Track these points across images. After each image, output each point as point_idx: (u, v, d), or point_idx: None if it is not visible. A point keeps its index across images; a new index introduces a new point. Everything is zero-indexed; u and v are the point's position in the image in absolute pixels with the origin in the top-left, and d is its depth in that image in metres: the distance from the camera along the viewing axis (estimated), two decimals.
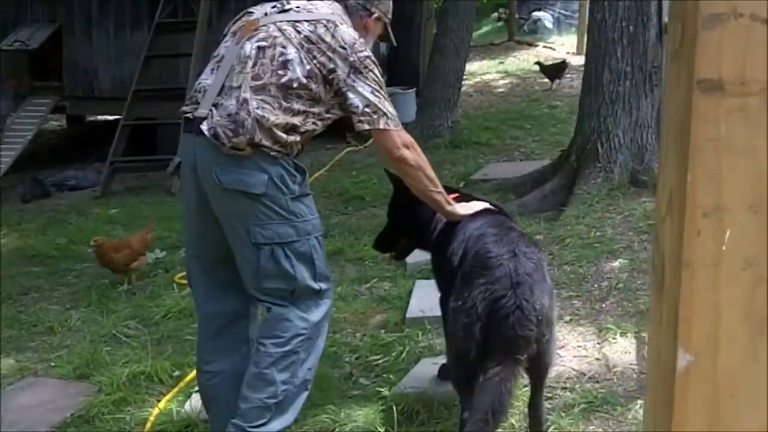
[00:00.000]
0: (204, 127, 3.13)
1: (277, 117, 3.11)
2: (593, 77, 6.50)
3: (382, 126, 3.19)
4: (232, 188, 3.12)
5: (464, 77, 10.60)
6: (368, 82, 3.19)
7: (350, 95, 3.17)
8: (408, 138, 3.29)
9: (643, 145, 6.39)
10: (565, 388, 3.72)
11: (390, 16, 3.56)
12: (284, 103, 3.14)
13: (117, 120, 10.59)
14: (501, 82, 13.89)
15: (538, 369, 3.10)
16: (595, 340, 4.25)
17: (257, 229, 3.15)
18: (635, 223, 5.81)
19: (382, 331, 4.66)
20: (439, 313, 4.12)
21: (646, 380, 1.38)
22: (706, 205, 1.15)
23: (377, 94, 3.19)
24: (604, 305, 4.69)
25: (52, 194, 9.73)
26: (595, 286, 4.96)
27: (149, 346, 4.74)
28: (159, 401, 4.07)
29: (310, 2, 3.34)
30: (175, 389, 4.18)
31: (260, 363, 3.22)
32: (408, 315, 4.75)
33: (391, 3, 3.58)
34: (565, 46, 16.06)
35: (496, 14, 20.87)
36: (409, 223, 3.71)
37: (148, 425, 3.86)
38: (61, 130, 14.17)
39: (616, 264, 5.21)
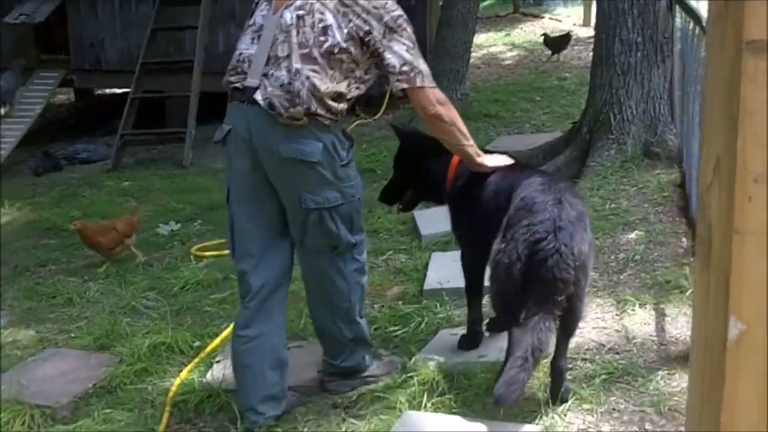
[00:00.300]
0: (258, 97, 3.21)
1: (326, 85, 3.19)
2: (604, 48, 6.44)
3: (418, 84, 3.26)
4: (289, 157, 3.23)
5: (471, 49, 10.56)
6: (403, 41, 3.25)
7: (387, 55, 3.24)
8: (441, 95, 3.37)
9: (655, 117, 6.33)
10: (585, 359, 3.72)
11: None
12: (329, 71, 3.21)
13: (125, 93, 10.58)
14: (508, 54, 13.81)
15: (570, 314, 3.17)
16: (613, 312, 4.23)
17: (308, 195, 3.30)
18: (650, 195, 5.76)
19: (400, 302, 4.67)
20: (456, 285, 4.18)
21: (691, 353, 1.34)
22: (757, 169, 1.12)
23: (412, 52, 3.26)
24: (621, 277, 4.65)
25: (64, 167, 9.73)
26: (612, 258, 4.92)
27: (169, 317, 4.77)
28: (180, 371, 4.11)
29: None
30: (196, 359, 4.21)
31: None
32: (425, 287, 4.76)
33: None
34: (571, 18, 15.97)
35: None
36: (417, 175, 3.81)
37: (170, 395, 3.89)
38: (70, 103, 14.12)
39: (632, 236, 5.17)
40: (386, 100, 9.44)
